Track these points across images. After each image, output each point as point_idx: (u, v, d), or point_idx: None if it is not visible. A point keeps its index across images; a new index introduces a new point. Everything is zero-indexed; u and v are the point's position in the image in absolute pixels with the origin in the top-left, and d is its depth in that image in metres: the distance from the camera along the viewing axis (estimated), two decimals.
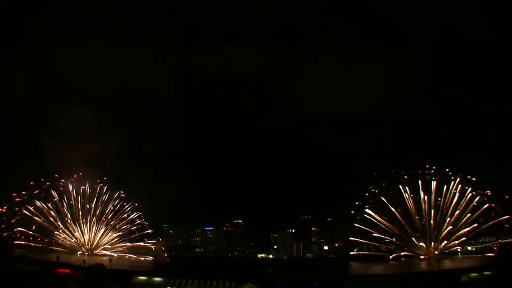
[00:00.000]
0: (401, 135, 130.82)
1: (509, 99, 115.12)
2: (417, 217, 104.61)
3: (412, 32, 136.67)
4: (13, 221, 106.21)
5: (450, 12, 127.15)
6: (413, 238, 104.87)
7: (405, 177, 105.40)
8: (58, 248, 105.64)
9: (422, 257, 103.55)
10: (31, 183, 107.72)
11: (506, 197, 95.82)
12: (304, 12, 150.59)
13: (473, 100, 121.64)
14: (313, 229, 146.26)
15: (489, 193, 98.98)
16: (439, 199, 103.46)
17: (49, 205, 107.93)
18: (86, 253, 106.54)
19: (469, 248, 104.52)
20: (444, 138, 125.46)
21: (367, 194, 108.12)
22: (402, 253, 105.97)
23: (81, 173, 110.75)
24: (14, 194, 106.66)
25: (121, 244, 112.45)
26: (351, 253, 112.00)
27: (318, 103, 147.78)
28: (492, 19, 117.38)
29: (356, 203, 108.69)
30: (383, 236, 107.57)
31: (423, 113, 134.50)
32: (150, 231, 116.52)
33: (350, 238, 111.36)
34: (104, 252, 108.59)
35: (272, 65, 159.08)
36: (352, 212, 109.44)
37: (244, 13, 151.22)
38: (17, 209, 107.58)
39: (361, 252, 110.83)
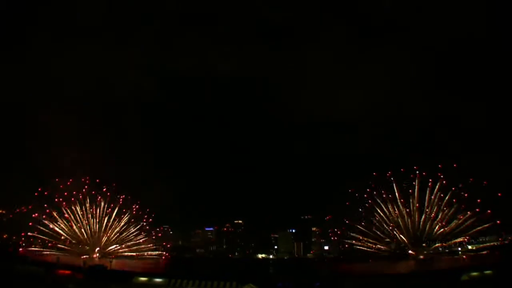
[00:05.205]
0: (401, 136, 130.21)
1: (509, 99, 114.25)
2: (418, 218, 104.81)
3: (412, 33, 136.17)
4: (11, 215, 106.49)
5: (450, 12, 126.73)
6: (408, 238, 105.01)
7: (401, 177, 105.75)
8: (59, 251, 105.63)
9: (421, 256, 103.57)
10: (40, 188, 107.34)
11: (499, 194, 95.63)
12: (304, 13, 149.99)
13: (473, 100, 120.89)
14: (314, 229, 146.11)
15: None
16: (441, 199, 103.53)
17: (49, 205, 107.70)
18: (95, 250, 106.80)
19: (469, 247, 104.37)
20: (444, 138, 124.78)
21: (364, 195, 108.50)
22: (400, 252, 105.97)
23: (86, 179, 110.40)
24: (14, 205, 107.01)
25: (123, 246, 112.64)
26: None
27: (317, 104, 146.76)
28: (492, 19, 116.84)
29: (353, 203, 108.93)
30: (381, 236, 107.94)
31: (423, 113, 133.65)
32: (154, 234, 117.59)
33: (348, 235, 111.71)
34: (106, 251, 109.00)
35: (271, 66, 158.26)
36: (348, 213, 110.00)
37: (242, 13, 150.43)
38: (17, 210, 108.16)
39: (360, 249, 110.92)
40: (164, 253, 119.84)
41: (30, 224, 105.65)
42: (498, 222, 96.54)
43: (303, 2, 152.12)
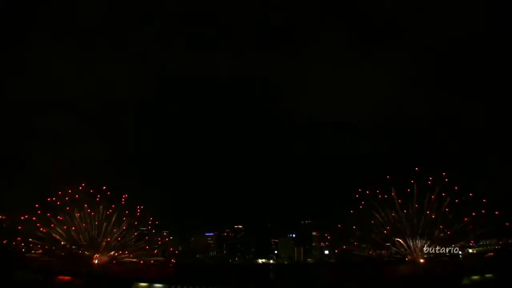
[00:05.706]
0: (401, 136, 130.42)
1: (509, 99, 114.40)
2: (417, 221, 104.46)
3: (412, 33, 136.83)
4: (9, 223, 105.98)
5: (450, 12, 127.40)
6: (407, 242, 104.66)
7: (400, 179, 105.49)
8: (58, 257, 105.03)
9: (422, 260, 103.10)
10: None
11: (496, 213, 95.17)
12: (304, 13, 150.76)
13: (473, 100, 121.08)
14: (314, 233, 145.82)
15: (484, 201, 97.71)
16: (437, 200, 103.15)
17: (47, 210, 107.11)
18: (95, 256, 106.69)
19: (470, 250, 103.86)
20: (444, 138, 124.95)
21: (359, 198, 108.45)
22: (399, 256, 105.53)
23: (84, 181, 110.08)
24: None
25: (126, 252, 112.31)
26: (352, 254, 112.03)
27: (317, 104, 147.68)
28: (492, 19, 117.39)
29: (351, 207, 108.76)
30: (380, 240, 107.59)
31: (423, 113, 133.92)
32: (160, 240, 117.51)
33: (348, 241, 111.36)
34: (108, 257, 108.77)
35: (271, 66, 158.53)
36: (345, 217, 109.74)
37: (241, 13, 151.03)
38: (14, 217, 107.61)
39: (360, 254, 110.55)
40: (172, 260, 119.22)
41: (20, 228, 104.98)
42: (507, 224, 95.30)
43: (303, 2, 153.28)
